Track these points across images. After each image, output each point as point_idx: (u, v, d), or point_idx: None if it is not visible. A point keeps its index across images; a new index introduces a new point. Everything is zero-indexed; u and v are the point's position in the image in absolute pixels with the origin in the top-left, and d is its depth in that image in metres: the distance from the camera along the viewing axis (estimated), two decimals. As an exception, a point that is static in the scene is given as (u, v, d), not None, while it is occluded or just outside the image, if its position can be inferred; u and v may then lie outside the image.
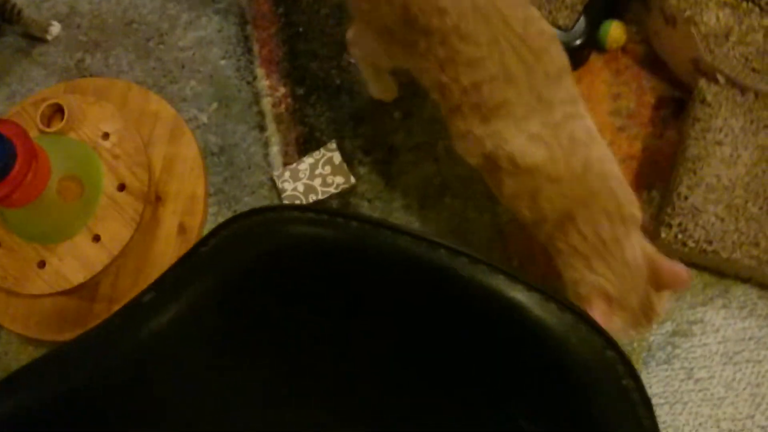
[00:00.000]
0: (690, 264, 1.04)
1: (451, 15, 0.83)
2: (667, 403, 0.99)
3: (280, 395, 0.56)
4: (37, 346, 1.13)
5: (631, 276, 0.80)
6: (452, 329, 0.51)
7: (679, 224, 1.00)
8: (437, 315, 0.51)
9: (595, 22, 1.14)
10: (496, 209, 1.09)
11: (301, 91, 1.19)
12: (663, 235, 1.00)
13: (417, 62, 0.90)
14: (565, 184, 0.82)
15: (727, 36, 1.06)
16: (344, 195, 1.12)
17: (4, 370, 1.13)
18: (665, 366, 1.01)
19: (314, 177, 1.13)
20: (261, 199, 1.13)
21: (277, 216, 0.52)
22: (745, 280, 1.04)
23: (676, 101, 1.13)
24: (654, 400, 0.98)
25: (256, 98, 1.20)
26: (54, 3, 1.29)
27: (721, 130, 1.03)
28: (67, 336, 1.10)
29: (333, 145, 1.15)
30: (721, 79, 1.05)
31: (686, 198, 1.01)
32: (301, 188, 1.12)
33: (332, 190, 1.12)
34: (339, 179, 1.13)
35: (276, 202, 1.12)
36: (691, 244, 0.99)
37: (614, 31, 1.14)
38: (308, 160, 1.14)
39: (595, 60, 1.16)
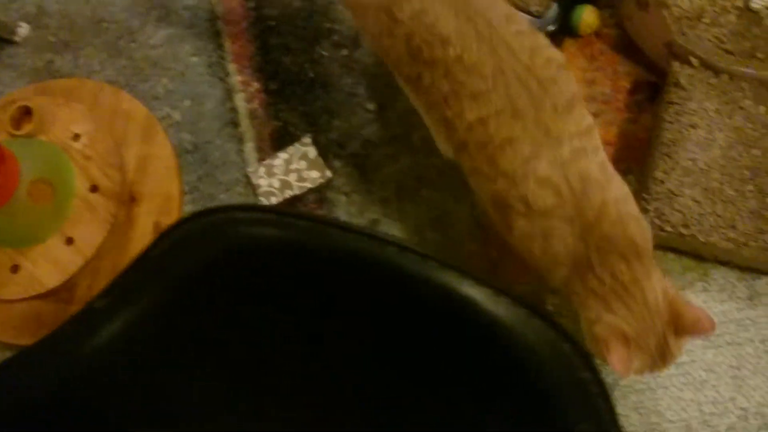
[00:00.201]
0: (669, 248, 1.03)
1: (454, 45, 0.81)
2: (649, 388, 0.99)
3: (239, 397, 0.55)
4: (15, 351, 1.12)
5: (651, 317, 0.78)
6: (409, 325, 0.51)
7: (656, 209, 0.99)
8: (387, 311, 0.51)
9: (567, 8, 1.13)
10: (474, 200, 1.08)
11: (274, 86, 1.18)
12: (640, 220, 0.99)
13: (422, 98, 0.88)
14: (580, 229, 0.79)
15: (699, 18, 1.05)
16: (321, 189, 1.12)
17: (-17, 377, 1.11)
18: (646, 351, 1.00)
19: (289, 172, 1.12)
20: (236, 196, 1.12)
21: (224, 217, 0.52)
22: (724, 263, 1.03)
23: (651, 85, 1.13)
24: (635, 386, 0.99)
25: (229, 94, 1.18)
26: (22, 4, 1.27)
27: (695, 113, 1.02)
28: (45, 340, 1.09)
29: (308, 139, 1.14)
30: (694, 61, 1.04)
31: (662, 182, 1.00)
32: (276, 184, 1.11)
33: (308, 184, 1.11)
34: (314, 174, 1.12)
35: (251, 198, 1.11)
36: (668, 228, 0.99)
37: (587, 16, 1.13)
38: (283, 156, 1.13)
39: (569, 45, 1.15)
